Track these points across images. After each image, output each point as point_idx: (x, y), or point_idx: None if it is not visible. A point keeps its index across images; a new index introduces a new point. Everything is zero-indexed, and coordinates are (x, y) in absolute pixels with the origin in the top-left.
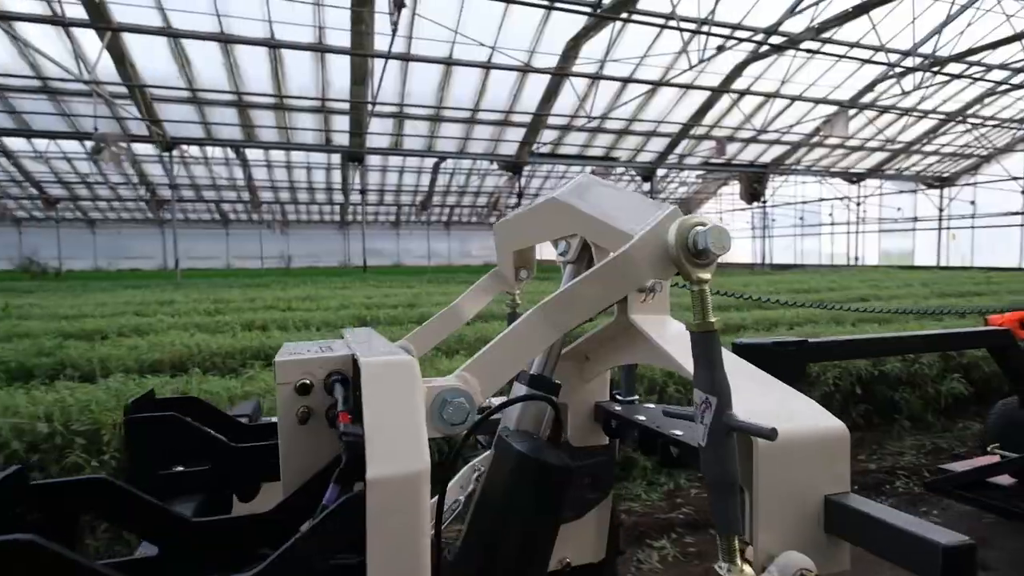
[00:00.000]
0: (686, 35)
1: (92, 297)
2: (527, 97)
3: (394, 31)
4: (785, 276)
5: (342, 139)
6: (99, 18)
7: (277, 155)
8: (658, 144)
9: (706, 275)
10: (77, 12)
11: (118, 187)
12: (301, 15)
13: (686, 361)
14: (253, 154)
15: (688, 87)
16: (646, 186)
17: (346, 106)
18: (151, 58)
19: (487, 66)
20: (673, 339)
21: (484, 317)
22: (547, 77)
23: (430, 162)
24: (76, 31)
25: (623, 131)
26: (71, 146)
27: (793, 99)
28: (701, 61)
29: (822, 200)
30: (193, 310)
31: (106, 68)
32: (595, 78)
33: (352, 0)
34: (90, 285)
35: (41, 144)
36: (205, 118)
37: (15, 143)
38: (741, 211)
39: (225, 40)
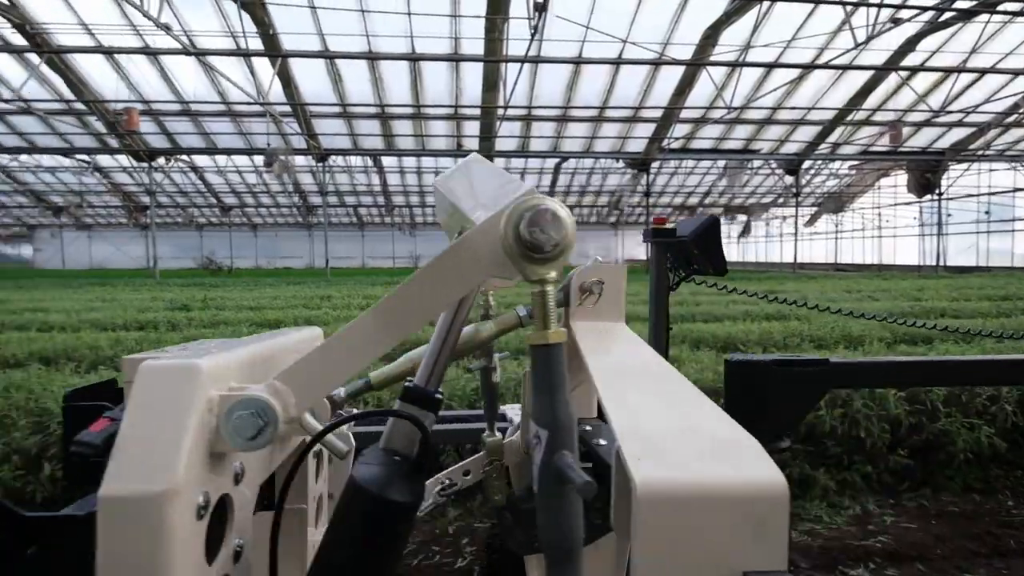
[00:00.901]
0: (848, 8)
1: (263, 291)
2: (658, 91)
3: (533, 34)
4: (967, 281)
5: (472, 144)
6: (272, 48)
7: (409, 161)
8: (806, 133)
9: (547, 273)
10: (255, 44)
11: (277, 195)
12: (439, 28)
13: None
14: (388, 161)
15: (847, 68)
16: (788, 179)
17: (477, 112)
18: (310, 79)
19: (618, 62)
20: (605, 353)
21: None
22: (681, 69)
23: (551, 163)
24: (254, 61)
25: (765, 121)
26: (242, 160)
27: (983, 72)
28: (870, 38)
29: (1016, 191)
30: (347, 304)
31: (275, 91)
32: (736, 66)
33: (487, 9)
34: (260, 281)
35: (220, 159)
36: (352, 130)
37: (200, 159)
38: (906, 205)
39: (372, 57)
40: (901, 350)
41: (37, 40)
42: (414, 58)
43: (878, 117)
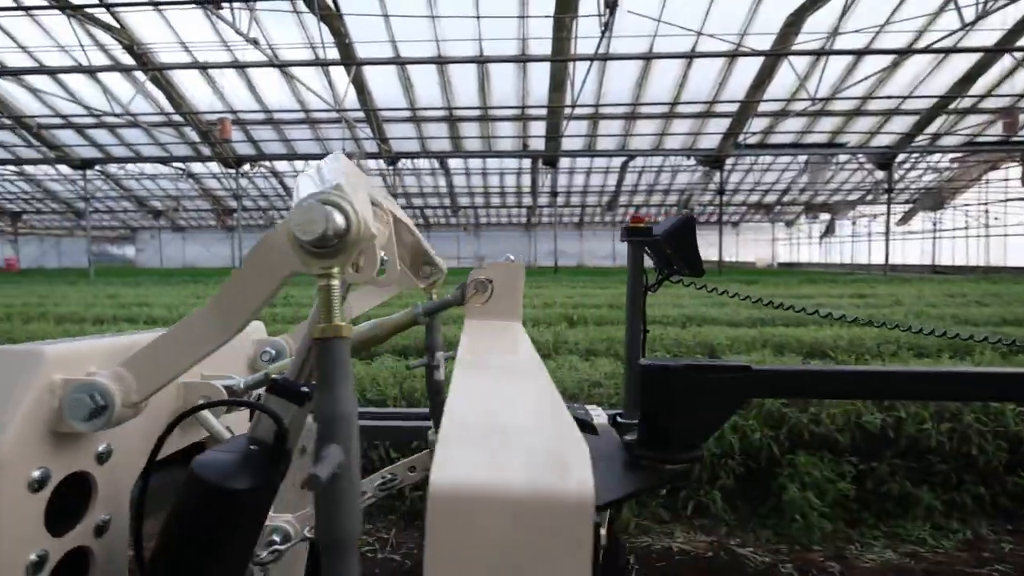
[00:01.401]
0: None
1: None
2: (734, 85)
3: (603, 31)
4: None
5: (538, 144)
6: (347, 56)
7: (474, 163)
8: (901, 124)
9: (329, 266)
10: (332, 53)
11: None
12: (507, 30)
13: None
14: (454, 163)
15: (951, 51)
16: (880, 174)
17: (543, 112)
18: (382, 85)
19: (691, 55)
20: (479, 351)
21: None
22: (759, 60)
23: (617, 161)
24: (331, 70)
25: (854, 112)
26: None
27: None
28: (980, 16)
29: None
30: (411, 303)
31: (350, 98)
32: (821, 54)
33: (555, 8)
34: None
35: (298, 164)
36: (421, 133)
37: (280, 164)
38: (1019, 201)
39: (441, 62)
40: (1018, 361)
41: (143, 59)
42: (481, 60)
43: (987, 104)
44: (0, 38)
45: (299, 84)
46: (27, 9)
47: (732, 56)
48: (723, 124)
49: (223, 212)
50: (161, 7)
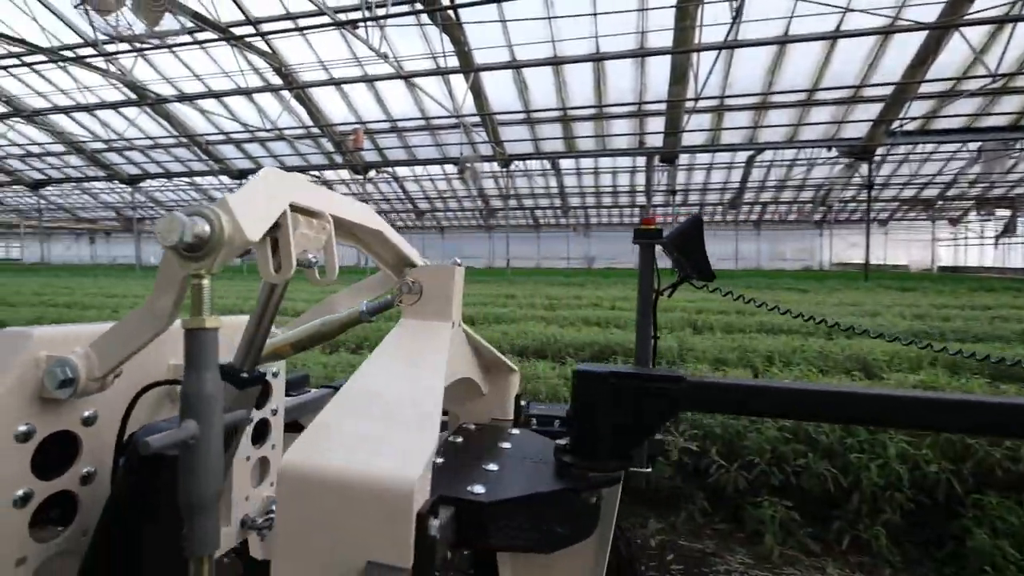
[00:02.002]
0: None
1: None
2: (887, 65)
3: (734, 17)
4: None
5: (655, 140)
6: (466, 64)
7: (586, 162)
8: None
9: (198, 268)
10: (452, 62)
11: (462, 200)
12: (624, 25)
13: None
14: (565, 163)
15: None
16: None
17: (662, 107)
18: (498, 89)
19: (836, 35)
20: (393, 349)
21: None
22: (921, 35)
23: (742, 156)
24: (451, 78)
25: None
26: (434, 169)
27: None
28: None
29: None
30: (531, 303)
31: (468, 103)
32: (1004, 21)
33: None
34: None
35: (417, 169)
36: (535, 135)
37: (400, 169)
38: None
39: (556, 63)
40: None
41: (289, 79)
42: (598, 58)
43: None
44: (179, 68)
45: (421, 93)
46: (201, 43)
47: (886, 33)
48: (873, 110)
49: None
50: (305, 31)
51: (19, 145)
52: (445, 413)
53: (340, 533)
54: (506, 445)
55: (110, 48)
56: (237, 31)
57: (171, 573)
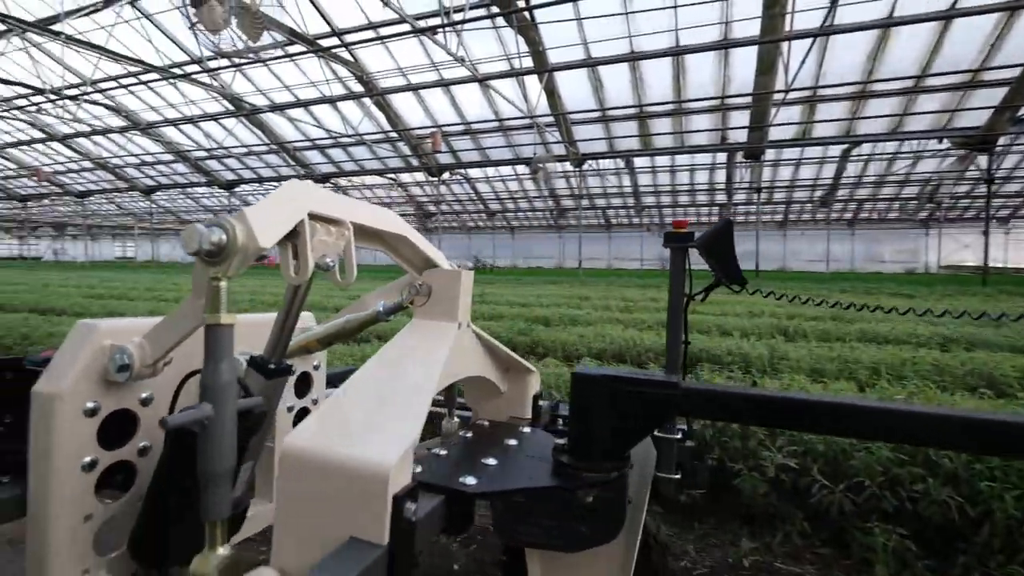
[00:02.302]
0: None
1: (527, 290)
2: (1013, 46)
3: (833, 1)
4: None
5: (738, 136)
6: (540, 64)
7: (661, 160)
8: None
9: (216, 272)
10: (526, 62)
11: (533, 200)
12: (706, 16)
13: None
14: (639, 161)
15: None
16: None
17: (747, 100)
18: (572, 88)
19: (950, 15)
20: (399, 347)
21: None
22: None
23: (835, 150)
24: (525, 79)
25: None
26: (505, 169)
27: None
28: None
29: None
30: (605, 305)
31: (541, 104)
32: None
33: None
34: (523, 279)
35: (488, 170)
36: (609, 133)
37: (472, 170)
38: None
39: (634, 59)
40: None
41: (369, 86)
42: (678, 52)
43: None
44: (271, 80)
45: (495, 95)
46: (292, 56)
47: (1013, 9)
48: (994, 96)
49: (423, 216)
50: (386, 40)
51: (135, 155)
52: (467, 409)
53: (327, 509)
54: (512, 442)
55: (213, 64)
56: (324, 43)
57: (199, 535)
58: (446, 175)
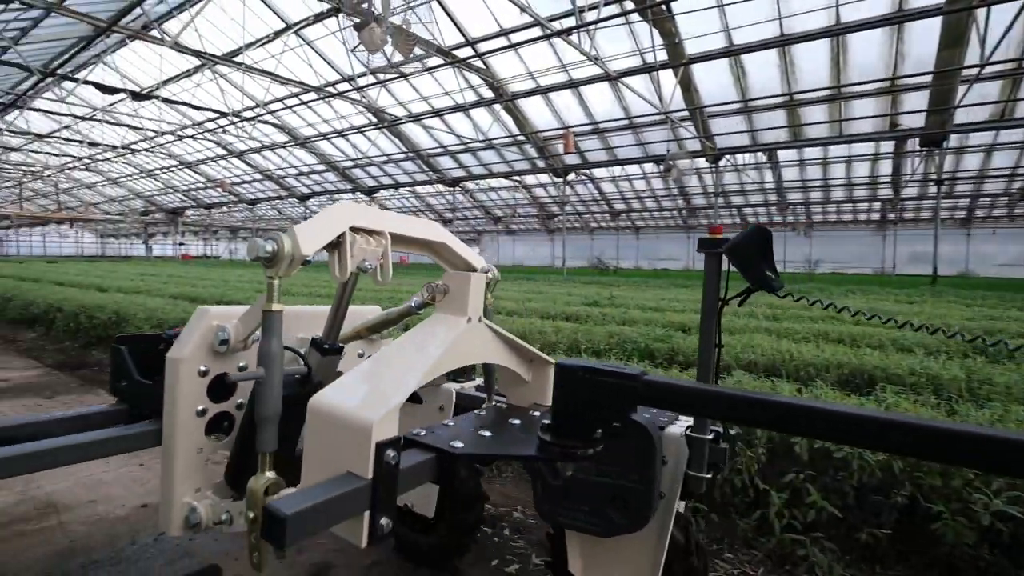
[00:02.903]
0: None
1: (655, 293)
2: None
3: None
4: None
5: (914, 121)
6: (675, 57)
7: (810, 152)
8: None
9: (271, 273)
10: (660, 56)
11: (661, 199)
12: None
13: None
14: (784, 154)
15: None
16: None
17: (925, 80)
18: (710, 80)
19: None
20: (414, 333)
21: None
22: None
23: None
24: (657, 73)
25: None
26: (631, 168)
27: None
28: None
29: None
30: (749, 312)
31: (675, 98)
32: None
33: None
34: (650, 282)
35: (614, 169)
36: (752, 125)
37: (597, 171)
38: None
39: (783, 43)
40: None
41: (499, 91)
42: (839, 31)
43: None
44: (409, 92)
45: (625, 92)
46: (430, 69)
47: None
48: None
49: (546, 217)
50: (518, 47)
51: (294, 167)
52: (499, 394)
53: (335, 450)
54: (516, 421)
55: (361, 82)
56: (459, 53)
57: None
58: (571, 175)
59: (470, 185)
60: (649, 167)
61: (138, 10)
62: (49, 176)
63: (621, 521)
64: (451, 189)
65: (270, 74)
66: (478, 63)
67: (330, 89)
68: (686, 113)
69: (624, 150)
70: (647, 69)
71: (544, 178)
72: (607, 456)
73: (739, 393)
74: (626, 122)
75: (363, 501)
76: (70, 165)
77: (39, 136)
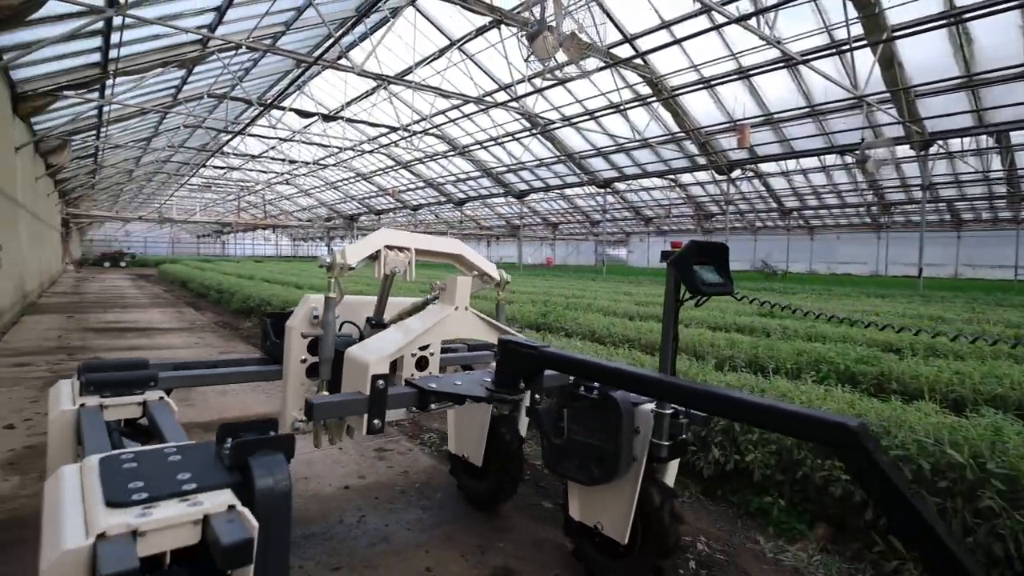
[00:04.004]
0: None
1: (842, 303)
2: None
3: None
4: None
5: None
6: (874, 30)
7: None
8: None
9: (329, 274)
10: (855, 31)
11: (844, 194)
12: None
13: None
14: (1018, 135)
15: None
16: None
17: None
18: (920, 52)
19: None
20: (421, 316)
21: None
22: None
23: None
24: (849, 53)
25: None
26: (808, 162)
27: None
28: None
29: None
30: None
31: (872, 79)
32: None
33: None
34: (832, 290)
35: (788, 164)
36: (977, 104)
37: (765, 165)
38: None
39: None
40: None
41: (658, 88)
42: None
43: None
44: (564, 96)
45: (807, 76)
46: (587, 73)
47: None
48: None
49: (703, 217)
50: (682, 41)
51: (452, 174)
52: None
53: (353, 378)
54: (487, 379)
55: (519, 90)
56: (618, 51)
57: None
58: (737, 172)
59: (620, 186)
60: (831, 159)
61: (332, 40)
62: (259, 190)
63: (599, 474)
64: (601, 191)
65: (435, 89)
66: (637, 61)
67: (488, 99)
68: (886, 95)
69: (801, 142)
70: (837, 46)
71: (701, 176)
72: (593, 423)
73: (613, 365)
74: (807, 110)
75: (362, 407)
76: (274, 180)
77: (253, 157)
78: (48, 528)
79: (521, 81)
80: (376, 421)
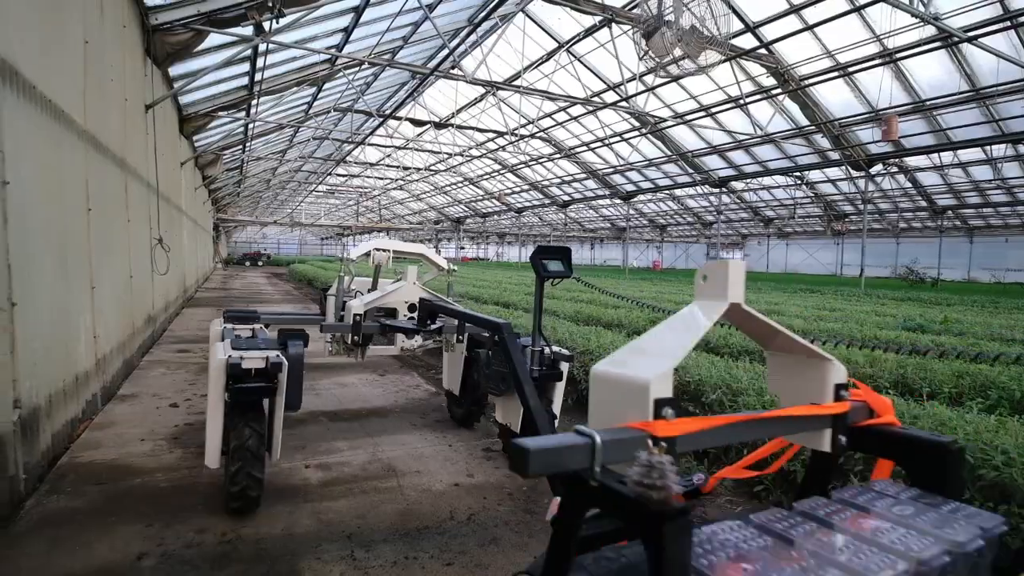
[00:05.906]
0: None
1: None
2: None
3: None
4: None
5: None
6: None
7: None
8: None
9: (341, 268)
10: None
11: (1016, 190)
12: None
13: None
14: None
15: None
16: None
17: None
18: None
19: None
20: (401, 292)
21: None
22: None
23: None
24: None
25: None
26: (968, 154)
27: None
28: None
29: None
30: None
31: None
32: None
33: None
34: (1001, 303)
35: (943, 157)
36: None
37: (913, 160)
38: None
39: None
40: None
41: (784, 78)
42: None
43: None
44: (677, 93)
45: (972, 55)
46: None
47: None
48: None
49: (833, 217)
50: (815, 28)
51: (557, 176)
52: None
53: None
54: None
55: (630, 88)
56: (738, 42)
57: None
58: (878, 167)
59: (737, 185)
60: (999, 149)
61: (445, 51)
62: (375, 195)
63: (503, 388)
64: (716, 190)
65: (543, 92)
66: (761, 51)
67: (596, 100)
68: None
69: (961, 131)
70: (1012, 19)
71: (833, 172)
72: (505, 357)
73: (461, 310)
74: (970, 94)
75: (347, 329)
76: (390, 186)
77: (371, 164)
78: (213, 354)
79: (631, 80)
80: (356, 338)
